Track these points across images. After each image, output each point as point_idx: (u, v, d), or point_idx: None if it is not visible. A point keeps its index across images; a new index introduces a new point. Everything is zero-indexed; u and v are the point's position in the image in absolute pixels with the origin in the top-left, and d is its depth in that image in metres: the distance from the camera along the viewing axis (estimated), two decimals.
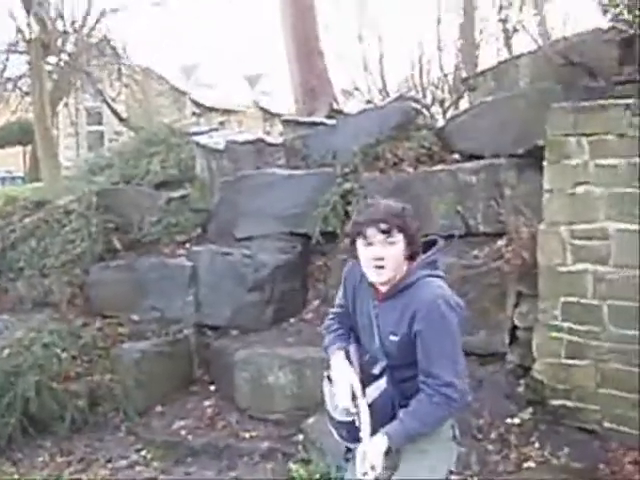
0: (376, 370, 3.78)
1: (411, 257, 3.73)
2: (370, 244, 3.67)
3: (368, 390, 3.76)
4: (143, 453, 6.80)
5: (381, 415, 3.70)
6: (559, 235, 6.07)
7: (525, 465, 5.67)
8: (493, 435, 5.97)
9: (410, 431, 3.64)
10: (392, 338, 3.70)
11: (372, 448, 3.61)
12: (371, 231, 3.65)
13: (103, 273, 8.48)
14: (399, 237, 3.66)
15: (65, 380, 7.21)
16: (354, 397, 3.73)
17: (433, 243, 3.86)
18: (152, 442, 6.94)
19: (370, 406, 3.70)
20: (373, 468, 3.58)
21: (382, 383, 3.77)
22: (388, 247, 3.65)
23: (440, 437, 3.80)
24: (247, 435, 6.80)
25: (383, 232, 3.63)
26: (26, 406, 7.05)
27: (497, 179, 7.15)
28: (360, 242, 3.71)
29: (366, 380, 3.78)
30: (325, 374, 3.99)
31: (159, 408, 7.40)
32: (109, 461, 6.76)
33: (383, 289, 3.76)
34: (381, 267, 3.66)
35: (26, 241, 9.01)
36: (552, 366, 6.13)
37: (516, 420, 6.10)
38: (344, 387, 3.77)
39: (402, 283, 3.71)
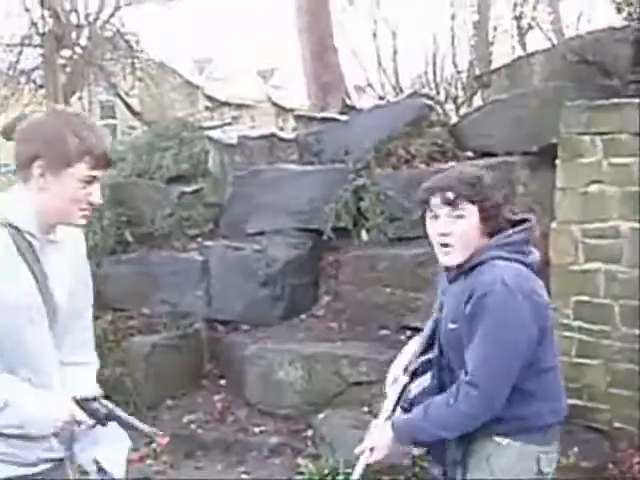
0: (424, 361, 3.36)
1: (491, 235, 3.16)
2: (435, 217, 3.14)
3: (412, 385, 3.34)
4: (153, 446, 6.81)
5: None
6: (571, 234, 6.06)
7: None
8: None
9: (416, 430, 3.18)
10: (450, 326, 3.17)
11: (379, 430, 3.27)
12: (435, 201, 3.12)
13: (115, 266, 8.48)
14: (470, 209, 3.10)
15: None
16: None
17: (524, 221, 3.28)
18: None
19: (411, 403, 3.27)
20: (372, 450, 3.24)
21: (427, 378, 3.31)
22: (455, 221, 3.10)
23: (514, 469, 3.14)
24: (257, 430, 6.80)
25: (448, 203, 3.09)
26: None
27: (510, 177, 7.13)
28: (427, 215, 3.18)
29: (419, 373, 3.37)
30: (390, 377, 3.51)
31: (169, 402, 7.40)
32: None
33: (455, 269, 3.20)
34: (446, 245, 3.12)
35: None
36: (563, 365, 6.06)
37: None
38: (390, 374, 3.44)
39: (468, 264, 3.12)
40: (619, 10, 7.73)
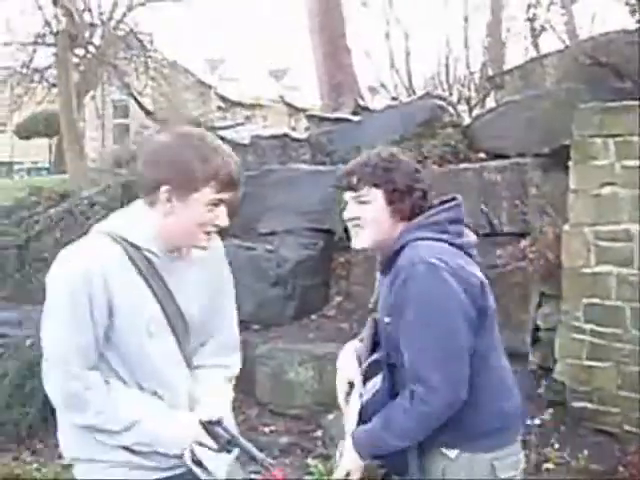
0: (372, 362, 3.07)
1: (410, 219, 2.97)
2: (346, 202, 3.03)
3: (363, 389, 3.08)
4: None
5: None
6: (583, 236, 6.04)
7: (544, 466, 5.64)
8: None
9: (378, 444, 2.92)
10: (385, 320, 2.95)
11: (347, 454, 3.00)
12: (343, 185, 3.04)
13: None
14: (374, 194, 2.95)
15: None
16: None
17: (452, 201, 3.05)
18: None
19: (364, 409, 3.02)
20: (348, 475, 2.97)
21: (377, 381, 3.02)
22: (361, 206, 2.97)
23: (463, 474, 2.92)
24: (267, 430, 6.80)
25: (352, 188, 2.97)
26: (47, 396, 7.07)
27: (522, 178, 7.12)
28: None
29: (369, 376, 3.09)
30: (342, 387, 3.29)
31: None
32: None
33: (383, 259, 3.04)
34: (357, 227, 3.00)
35: (50, 232, 9.07)
36: (573, 368, 6.10)
37: (536, 421, 6.07)
38: (340, 384, 3.23)
39: (390, 250, 2.95)
40: (633, 12, 7.71)
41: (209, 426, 2.77)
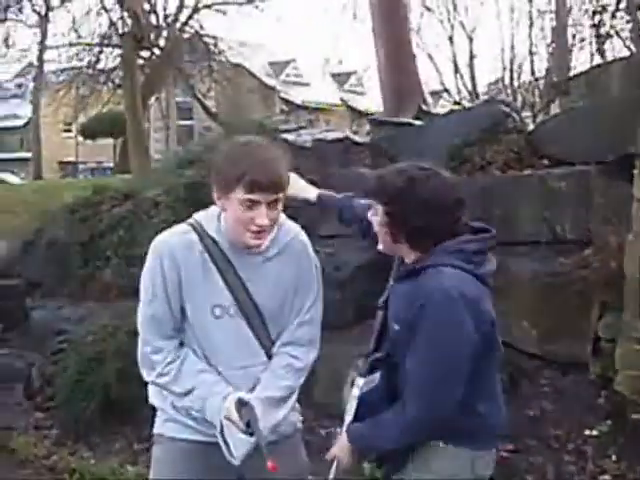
0: (373, 360, 3.34)
1: (411, 243, 3.13)
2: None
3: (362, 381, 3.31)
4: None
5: (367, 414, 3.22)
6: None
7: (601, 478, 5.58)
8: (570, 446, 5.90)
9: (370, 445, 3.24)
10: (395, 327, 3.16)
11: (340, 440, 3.31)
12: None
13: None
14: (379, 211, 3.15)
15: None
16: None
17: (484, 231, 3.19)
18: None
19: (360, 401, 3.27)
20: (337, 460, 3.34)
21: (375, 378, 3.28)
22: (374, 217, 3.20)
23: (449, 470, 3.15)
24: (323, 432, 6.81)
25: (367, 196, 3.35)
26: (106, 392, 7.18)
27: (586, 186, 7.04)
28: None
29: (361, 370, 3.37)
30: (349, 378, 3.60)
31: None
32: None
33: (402, 268, 3.25)
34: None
35: (114, 231, 9.18)
36: (634, 379, 6.02)
37: (594, 432, 6.00)
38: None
39: (415, 265, 3.11)
40: None
41: (238, 405, 3.06)
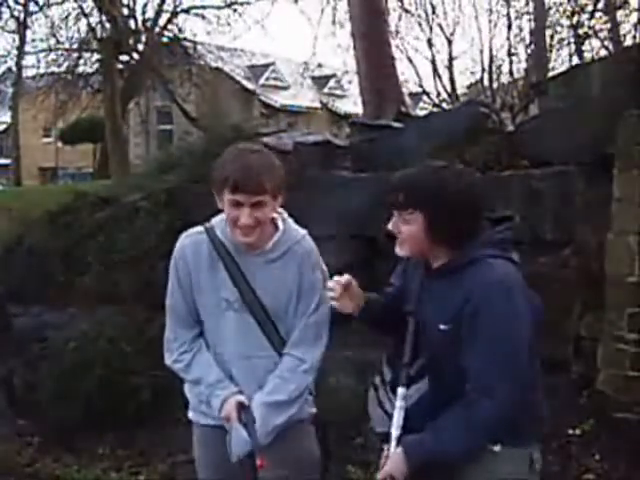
0: (414, 368, 3.16)
1: (443, 239, 3.08)
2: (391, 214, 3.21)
3: (409, 391, 3.14)
4: None
5: (419, 425, 3.06)
6: (628, 245, 6.00)
7: (585, 477, 5.61)
8: (554, 445, 5.91)
9: (432, 454, 3.01)
10: (441, 327, 3.04)
11: (394, 458, 3.09)
12: (389, 201, 3.22)
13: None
14: (415, 216, 3.07)
15: (129, 374, 7.30)
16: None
17: (506, 219, 3.24)
18: None
19: (407, 412, 3.13)
20: (390, 477, 3.09)
21: (423, 385, 3.12)
22: (403, 225, 3.12)
23: (510, 474, 3.08)
24: None
25: (394, 206, 3.17)
26: (89, 399, 7.16)
27: (566, 186, 7.07)
28: None
29: (403, 380, 3.17)
30: (371, 380, 3.43)
31: None
32: (169, 455, 6.82)
33: (435, 265, 3.16)
34: (399, 239, 3.18)
35: (94, 236, 9.13)
36: (616, 378, 6.05)
37: (577, 431, 6.03)
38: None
39: (454, 263, 3.06)
40: None
41: (238, 408, 3.39)
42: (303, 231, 3.69)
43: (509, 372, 2.92)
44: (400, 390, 3.15)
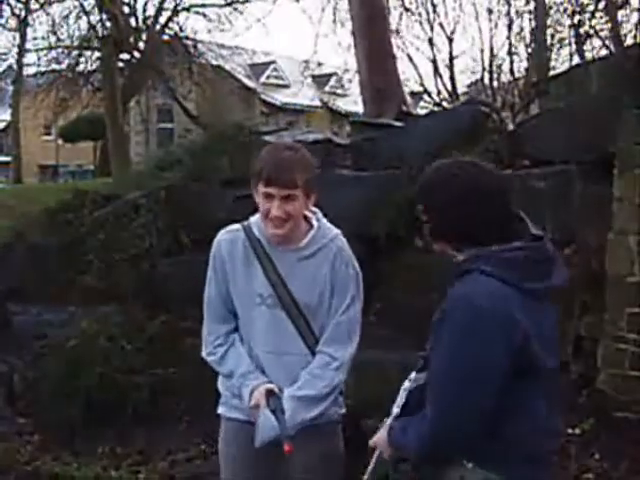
0: (421, 357, 3.13)
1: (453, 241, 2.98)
2: None
3: (417, 376, 3.12)
4: (202, 447, 6.85)
5: (413, 410, 3.04)
6: (627, 245, 6.00)
7: (584, 476, 5.60)
8: None
9: (398, 445, 3.06)
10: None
11: (382, 431, 3.17)
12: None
13: (170, 268, 8.55)
14: (421, 211, 3.05)
15: (128, 372, 7.30)
16: None
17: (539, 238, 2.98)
18: (212, 436, 6.97)
19: (409, 394, 3.13)
20: (379, 450, 3.18)
21: (421, 377, 3.08)
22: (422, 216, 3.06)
23: None
24: None
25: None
26: (89, 397, 7.16)
27: (566, 186, 7.07)
28: None
29: (418, 366, 3.14)
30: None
31: None
32: (168, 454, 6.82)
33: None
34: None
35: (95, 234, 9.13)
36: (616, 377, 6.05)
37: (577, 430, 6.03)
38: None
39: (458, 268, 2.91)
40: None
41: (267, 394, 3.45)
42: (336, 230, 3.79)
43: (458, 385, 2.79)
44: (412, 373, 3.17)
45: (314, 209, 3.72)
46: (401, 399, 3.17)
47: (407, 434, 2.98)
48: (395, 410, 3.18)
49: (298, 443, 3.35)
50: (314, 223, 3.68)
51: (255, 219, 3.66)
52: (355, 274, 3.67)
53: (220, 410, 3.84)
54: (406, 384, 3.17)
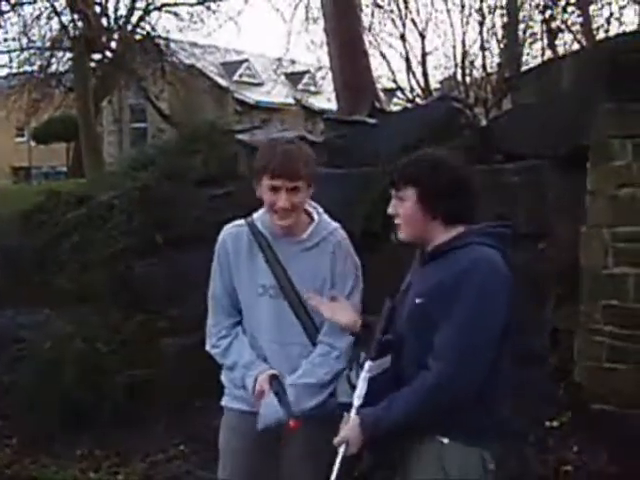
0: (385, 341, 3.24)
1: (445, 220, 3.20)
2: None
3: (373, 364, 3.22)
4: (181, 448, 6.83)
5: (377, 397, 3.15)
6: (601, 237, 6.03)
7: (563, 469, 5.63)
8: (532, 438, 5.94)
9: (387, 419, 3.08)
10: (417, 300, 3.14)
11: (349, 425, 3.16)
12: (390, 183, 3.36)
13: (145, 268, 8.52)
14: (409, 193, 3.22)
15: (105, 374, 7.26)
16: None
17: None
18: (191, 437, 6.97)
19: (371, 383, 3.19)
20: (346, 443, 3.15)
21: (386, 360, 3.23)
22: (398, 203, 3.28)
23: (464, 467, 3.10)
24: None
25: (393, 184, 3.32)
26: (66, 399, 7.12)
27: (540, 180, 7.10)
28: None
29: (372, 354, 3.24)
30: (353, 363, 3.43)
31: (199, 403, 7.42)
32: (147, 455, 6.81)
33: (429, 249, 3.25)
34: (396, 222, 3.31)
35: (69, 236, 9.08)
36: (592, 370, 6.08)
37: (555, 423, 6.06)
38: None
39: (446, 246, 3.17)
40: None
41: (270, 379, 3.55)
42: (336, 224, 3.88)
43: (469, 346, 3.00)
44: (367, 363, 3.23)
45: (314, 203, 3.86)
46: (361, 389, 3.21)
47: (392, 409, 3.07)
48: (356, 401, 3.21)
49: (297, 436, 3.50)
50: (315, 216, 3.81)
51: (258, 214, 3.79)
52: (355, 266, 3.82)
53: (223, 402, 3.93)
54: (363, 375, 3.22)
